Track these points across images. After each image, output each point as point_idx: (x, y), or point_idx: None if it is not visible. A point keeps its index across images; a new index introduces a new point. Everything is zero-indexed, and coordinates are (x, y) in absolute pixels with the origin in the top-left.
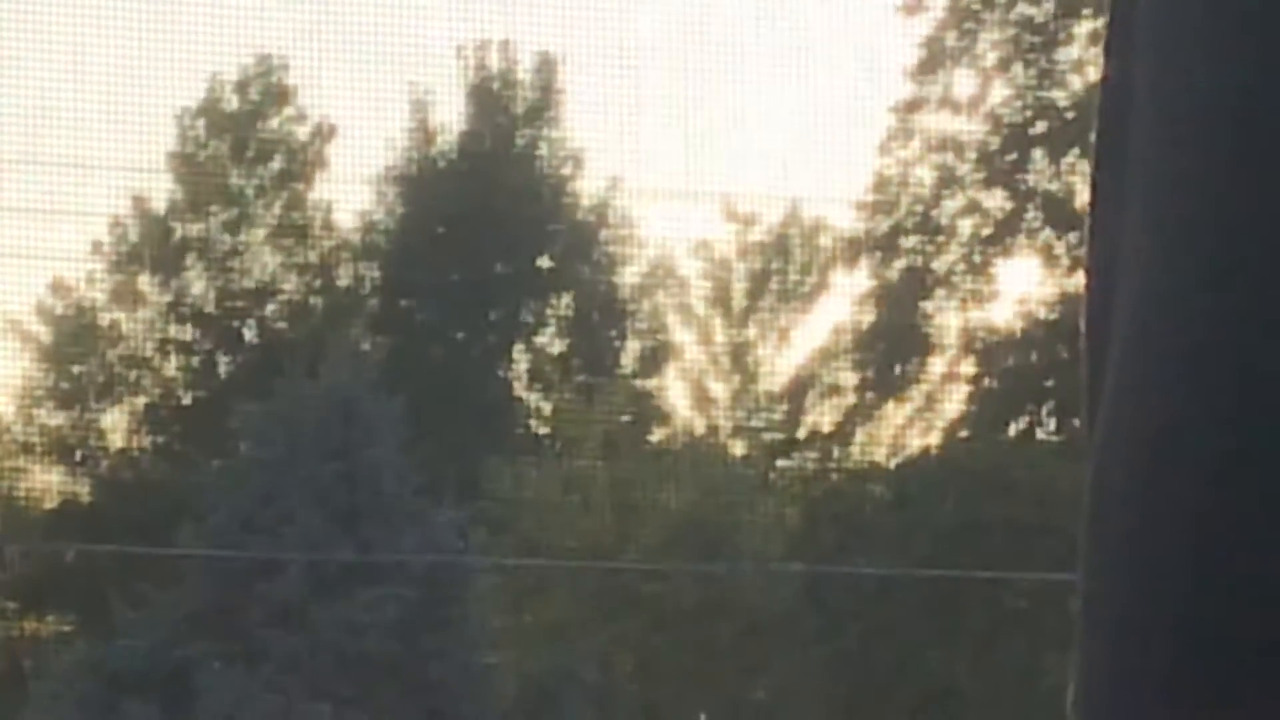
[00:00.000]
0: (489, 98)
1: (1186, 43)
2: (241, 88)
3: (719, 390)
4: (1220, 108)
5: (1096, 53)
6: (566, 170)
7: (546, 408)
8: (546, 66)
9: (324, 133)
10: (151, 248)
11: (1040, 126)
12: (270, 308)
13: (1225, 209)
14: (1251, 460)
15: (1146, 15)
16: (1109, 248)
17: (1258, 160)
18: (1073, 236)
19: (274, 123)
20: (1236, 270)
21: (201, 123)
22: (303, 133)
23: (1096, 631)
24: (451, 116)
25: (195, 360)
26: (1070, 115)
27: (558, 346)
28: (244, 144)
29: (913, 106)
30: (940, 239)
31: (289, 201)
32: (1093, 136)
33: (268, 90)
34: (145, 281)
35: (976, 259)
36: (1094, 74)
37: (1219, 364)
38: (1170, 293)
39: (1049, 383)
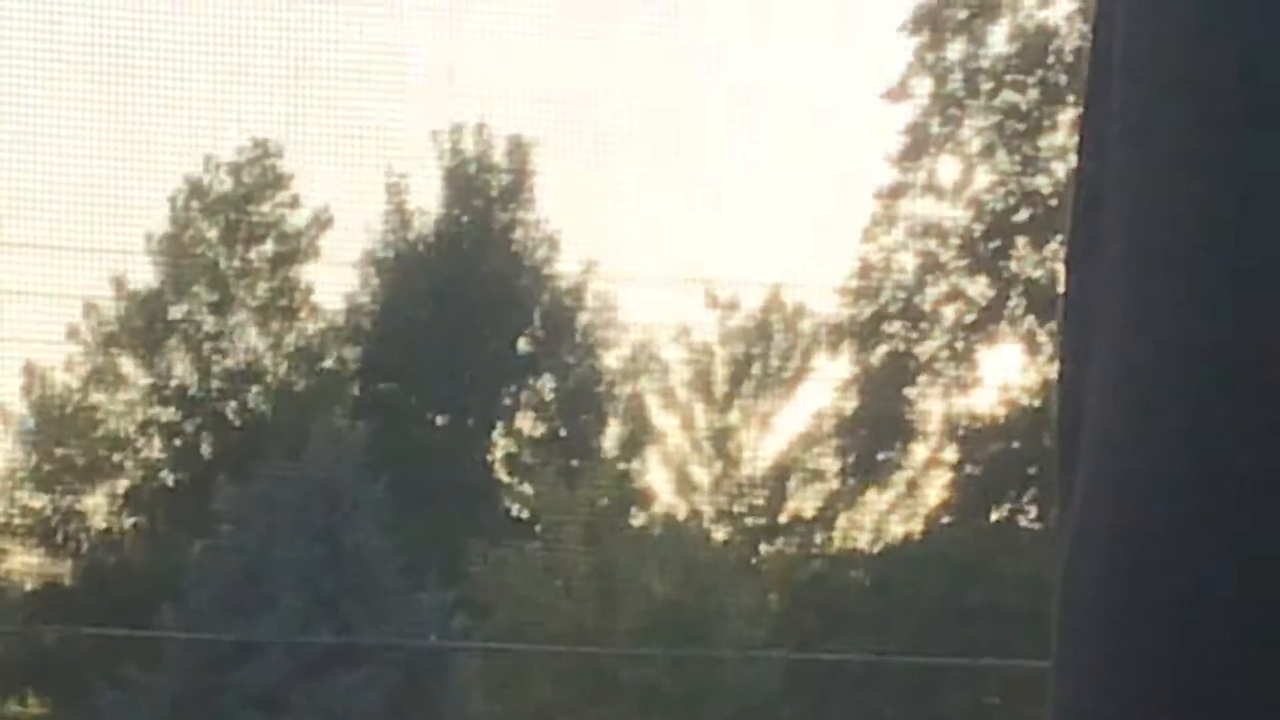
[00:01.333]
0: (465, 181)
1: (1160, 131)
2: (235, 170)
3: (701, 475)
4: (1195, 194)
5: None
6: (543, 252)
7: (528, 491)
8: (520, 149)
9: (321, 222)
10: (134, 329)
11: (1024, 213)
12: (254, 390)
13: (1199, 293)
14: (1226, 550)
15: (1120, 105)
16: (1080, 331)
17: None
18: (1055, 324)
19: (264, 207)
20: (1209, 356)
21: (191, 205)
22: (296, 217)
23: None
24: (429, 199)
25: (178, 442)
26: (1053, 202)
27: (539, 429)
28: (234, 226)
29: (896, 192)
30: (923, 325)
31: (274, 284)
32: (1067, 223)
33: (261, 174)
34: (128, 363)
35: (959, 345)
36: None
37: (1190, 452)
38: (1140, 372)
39: (1031, 470)
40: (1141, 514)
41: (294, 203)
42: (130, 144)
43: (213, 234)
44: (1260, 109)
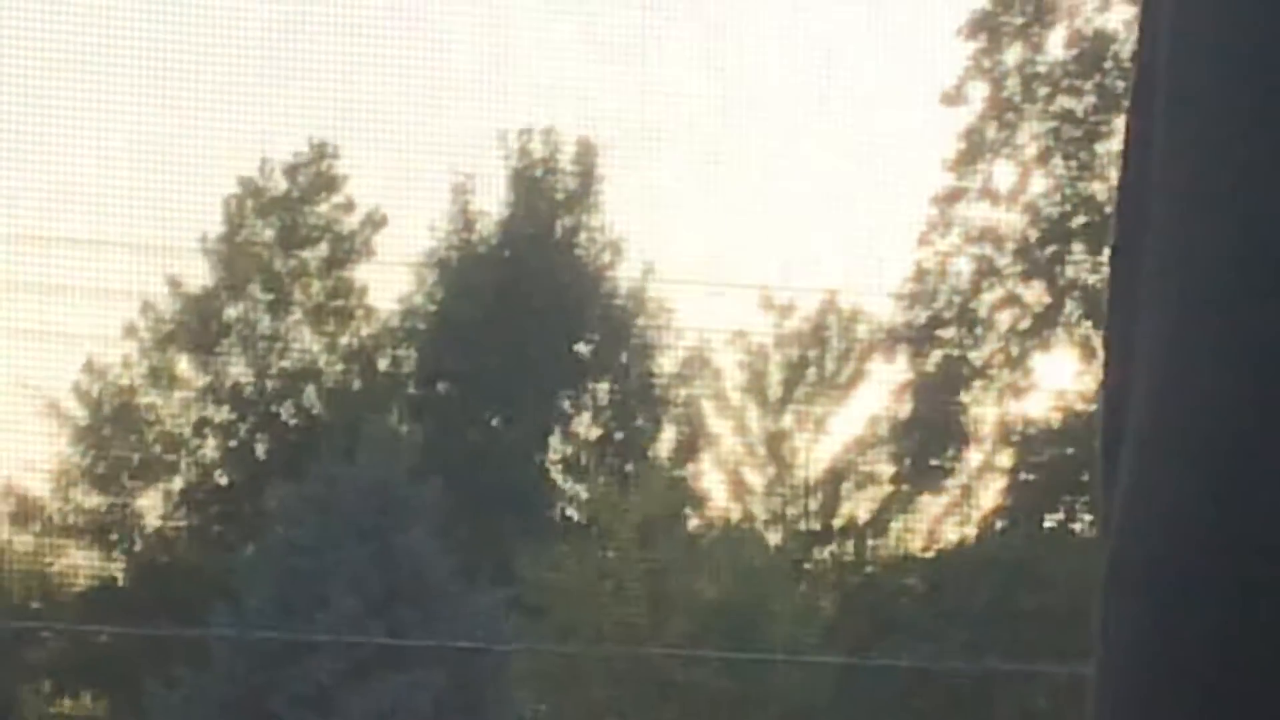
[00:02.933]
0: (530, 184)
1: (1204, 139)
2: (291, 172)
3: (754, 479)
4: (1233, 204)
5: None
6: (605, 257)
7: (582, 493)
8: (587, 154)
9: (375, 222)
10: (190, 329)
11: (1079, 219)
12: (309, 391)
13: (1238, 305)
14: (1265, 573)
15: (1164, 114)
16: (1123, 347)
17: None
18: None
19: (321, 208)
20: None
21: (248, 205)
22: (351, 220)
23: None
24: (493, 203)
25: (233, 442)
26: (1109, 208)
27: (594, 433)
28: (290, 228)
29: (952, 197)
30: (978, 330)
31: (329, 285)
32: (1111, 236)
33: (318, 176)
34: (184, 363)
35: (1014, 351)
36: None
37: (1231, 456)
38: (1182, 390)
39: (1085, 476)
40: (1177, 540)
41: (349, 204)
42: (192, 142)
43: (268, 235)
44: None
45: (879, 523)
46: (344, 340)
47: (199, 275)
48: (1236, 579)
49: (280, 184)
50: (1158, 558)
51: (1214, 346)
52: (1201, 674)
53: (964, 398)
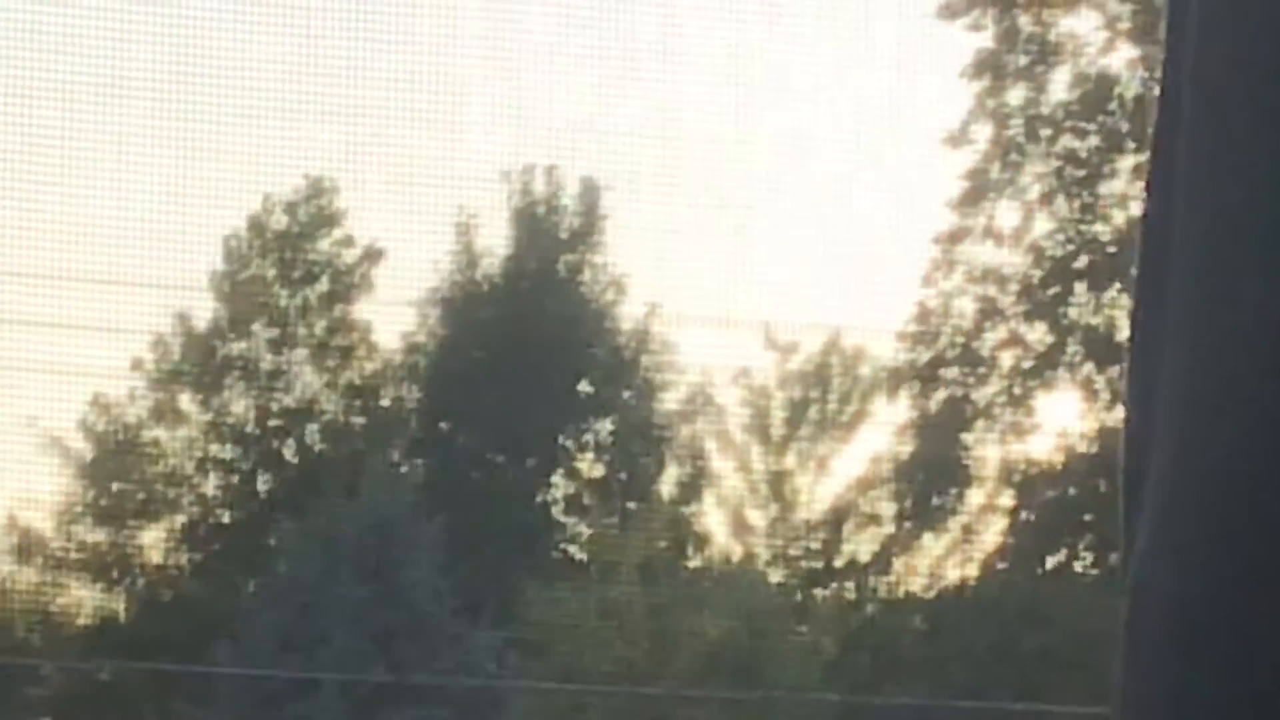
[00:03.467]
0: (533, 222)
1: (1229, 181)
2: (291, 208)
3: (756, 517)
4: (1262, 242)
5: (1140, 187)
6: (609, 296)
7: (584, 532)
8: (590, 192)
9: (372, 256)
10: (193, 365)
11: (1083, 260)
12: (311, 427)
13: (1263, 345)
14: None
15: (1187, 154)
16: (1145, 386)
17: None
18: (1113, 371)
19: (323, 245)
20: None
21: (248, 241)
22: (350, 255)
23: None
24: (496, 240)
25: (235, 479)
26: (1113, 249)
27: (596, 471)
28: (291, 264)
29: (955, 237)
30: (981, 371)
31: (332, 322)
32: (1133, 271)
33: (318, 212)
34: (186, 399)
35: (1017, 391)
36: (1137, 209)
37: (1255, 497)
38: (1206, 428)
39: (1087, 517)
40: (1201, 570)
41: (348, 241)
42: (198, 180)
43: (270, 272)
44: None
45: (881, 562)
46: (346, 377)
47: (205, 311)
48: (1259, 618)
49: (281, 220)
50: (1180, 597)
51: (1239, 383)
52: (1226, 715)
53: (967, 437)
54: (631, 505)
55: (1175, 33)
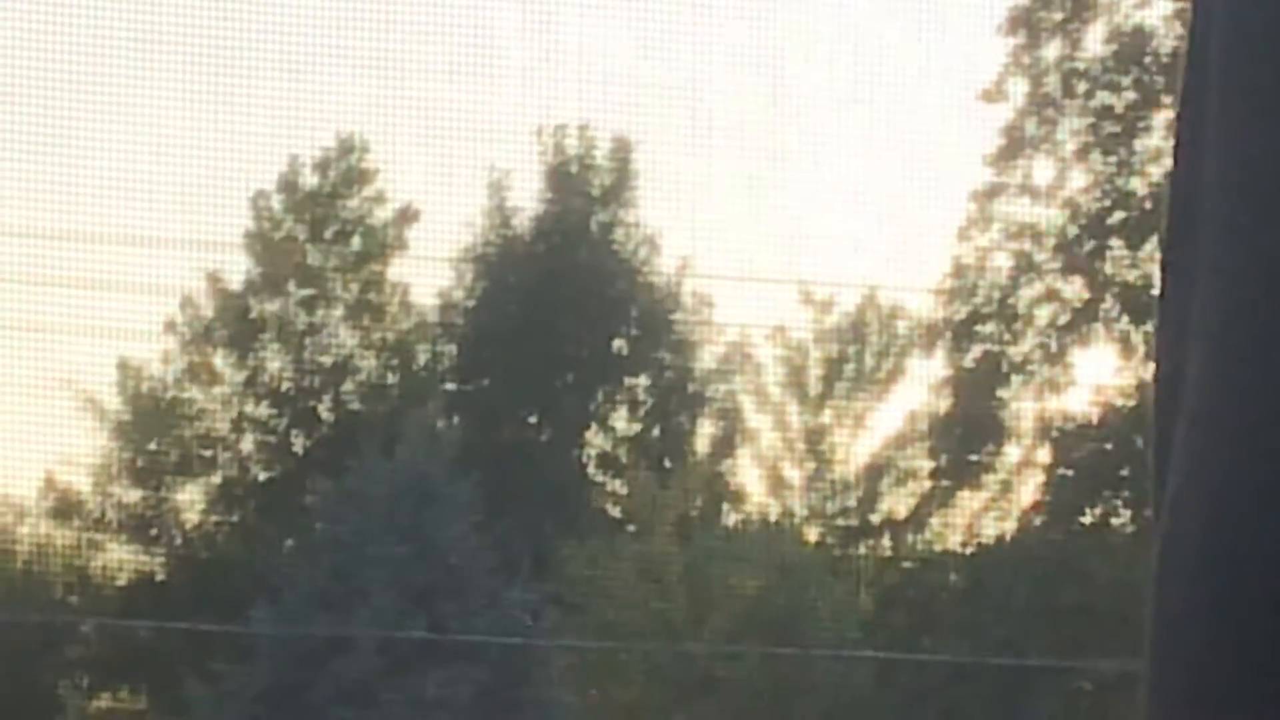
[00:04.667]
0: (566, 180)
1: (1260, 132)
2: (322, 167)
3: (793, 474)
4: None
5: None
6: (642, 253)
7: (620, 489)
8: (623, 149)
9: (407, 215)
10: (228, 325)
11: (1118, 215)
12: (346, 386)
13: None
14: None
15: (1219, 101)
16: (1177, 331)
17: None
18: (1149, 326)
19: (354, 203)
20: None
21: (280, 200)
22: (383, 214)
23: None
24: (529, 198)
25: (271, 438)
26: (1148, 204)
27: (632, 428)
28: (323, 223)
29: (991, 193)
30: (1017, 326)
31: (367, 281)
32: (1162, 225)
33: (349, 170)
34: (221, 359)
35: (1053, 347)
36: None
37: None
38: (1238, 372)
39: (1124, 472)
40: (1232, 522)
41: (380, 198)
42: (232, 138)
43: (301, 231)
44: None
45: (917, 518)
46: (381, 335)
47: (238, 271)
48: None
49: (311, 179)
50: (1211, 542)
51: (1269, 333)
52: (1258, 661)
53: (1003, 393)
54: (667, 462)
55: None
